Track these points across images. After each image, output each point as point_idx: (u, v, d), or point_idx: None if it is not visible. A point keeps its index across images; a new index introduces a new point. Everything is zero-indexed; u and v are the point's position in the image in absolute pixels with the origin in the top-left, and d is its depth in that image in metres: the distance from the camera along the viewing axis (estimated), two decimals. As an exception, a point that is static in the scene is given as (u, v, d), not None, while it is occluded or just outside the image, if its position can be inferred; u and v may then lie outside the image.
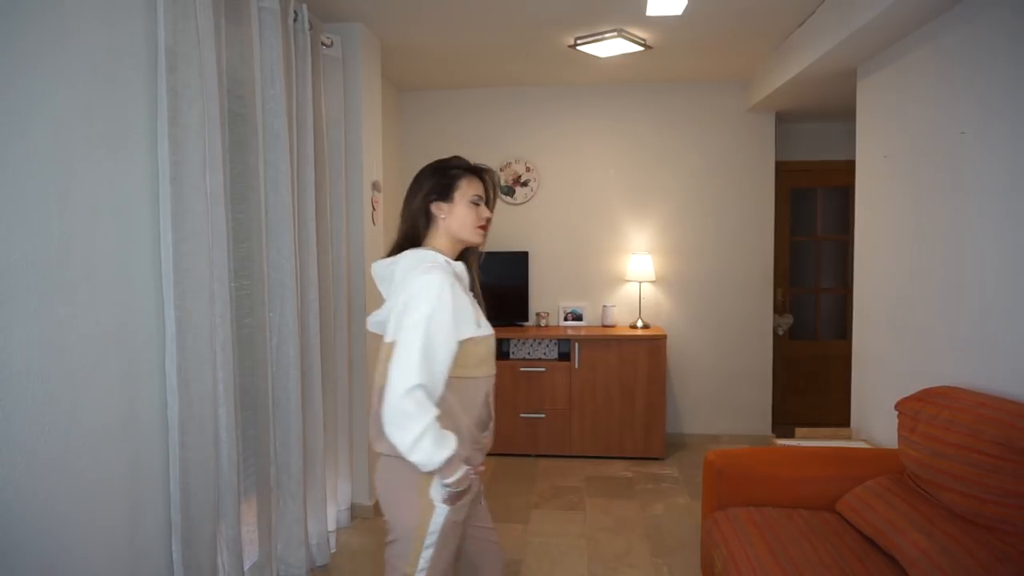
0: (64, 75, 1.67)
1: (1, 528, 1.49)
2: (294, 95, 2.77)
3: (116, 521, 1.86)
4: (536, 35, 3.61)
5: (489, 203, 1.77)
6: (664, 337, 4.37)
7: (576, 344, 4.39)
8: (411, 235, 1.72)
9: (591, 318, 4.86)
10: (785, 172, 4.96)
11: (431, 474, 1.56)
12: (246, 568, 2.48)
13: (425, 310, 1.53)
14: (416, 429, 1.48)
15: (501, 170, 4.85)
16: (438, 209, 1.70)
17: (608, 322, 4.72)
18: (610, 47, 3.69)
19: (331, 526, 3.12)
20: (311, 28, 2.96)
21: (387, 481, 1.65)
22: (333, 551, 3.10)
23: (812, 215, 5.15)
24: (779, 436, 3.65)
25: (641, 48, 3.72)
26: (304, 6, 2.88)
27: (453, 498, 1.59)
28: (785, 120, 4.86)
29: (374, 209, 3.61)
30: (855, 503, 2.23)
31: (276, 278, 2.65)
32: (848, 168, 3.77)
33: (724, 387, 4.80)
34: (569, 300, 4.88)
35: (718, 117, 4.71)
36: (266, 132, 2.59)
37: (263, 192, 2.54)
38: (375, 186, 3.63)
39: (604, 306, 4.76)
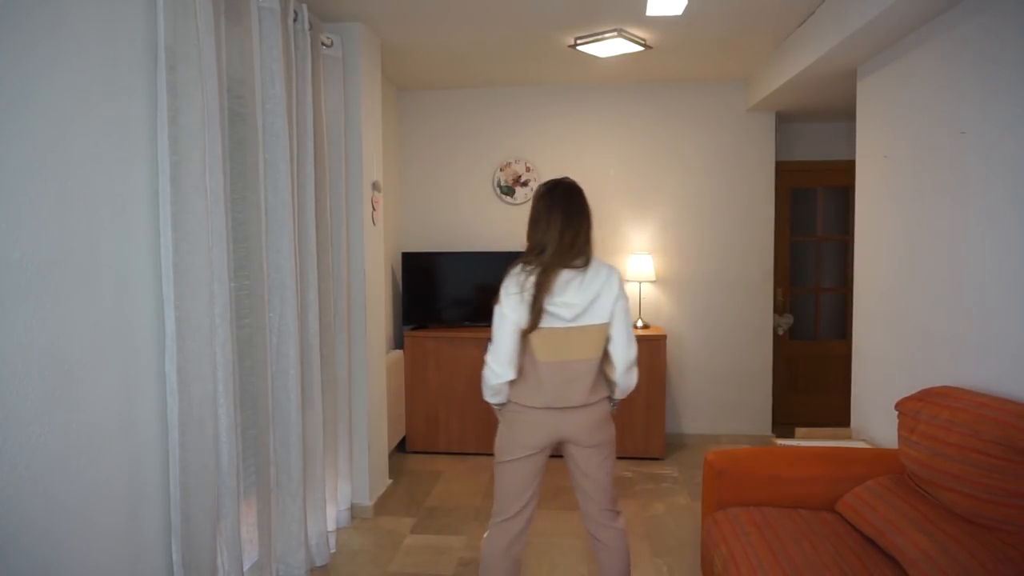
0: (64, 74, 1.67)
1: (1, 528, 1.49)
2: (294, 95, 2.77)
3: (116, 521, 1.86)
4: (536, 35, 3.61)
5: None
6: (664, 337, 4.37)
7: (576, 344, 4.38)
8: (588, 248, 2.28)
9: (591, 318, 4.84)
10: (785, 172, 4.96)
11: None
12: (246, 568, 2.48)
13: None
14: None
15: (501, 170, 4.85)
16: None
17: (608, 322, 4.71)
18: (610, 47, 3.69)
19: (331, 526, 3.12)
20: (311, 28, 2.96)
21: (602, 415, 2.28)
22: (333, 551, 3.11)
23: (812, 215, 5.15)
24: (779, 436, 3.66)
25: (641, 48, 3.72)
26: (304, 6, 2.87)
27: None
28: (785, 120, 4.86)
29: (374, 209, 3.61)
30: (855, 503, 2.22)
31: (276, 278, 2.65)
32: (848, 168, 3.78)
33: (724, 387, 4.80)
34: (569, 300, 4.87)
35: (718, 117, 4.71)
36: (266, 132, 2.59)
37: (263, 192, 2.54)
38: (375, 186, 3.62)
39: (604, 306, 4.75)
